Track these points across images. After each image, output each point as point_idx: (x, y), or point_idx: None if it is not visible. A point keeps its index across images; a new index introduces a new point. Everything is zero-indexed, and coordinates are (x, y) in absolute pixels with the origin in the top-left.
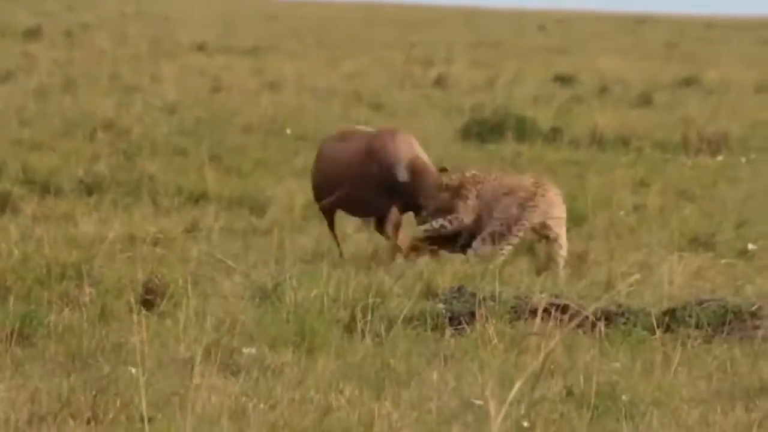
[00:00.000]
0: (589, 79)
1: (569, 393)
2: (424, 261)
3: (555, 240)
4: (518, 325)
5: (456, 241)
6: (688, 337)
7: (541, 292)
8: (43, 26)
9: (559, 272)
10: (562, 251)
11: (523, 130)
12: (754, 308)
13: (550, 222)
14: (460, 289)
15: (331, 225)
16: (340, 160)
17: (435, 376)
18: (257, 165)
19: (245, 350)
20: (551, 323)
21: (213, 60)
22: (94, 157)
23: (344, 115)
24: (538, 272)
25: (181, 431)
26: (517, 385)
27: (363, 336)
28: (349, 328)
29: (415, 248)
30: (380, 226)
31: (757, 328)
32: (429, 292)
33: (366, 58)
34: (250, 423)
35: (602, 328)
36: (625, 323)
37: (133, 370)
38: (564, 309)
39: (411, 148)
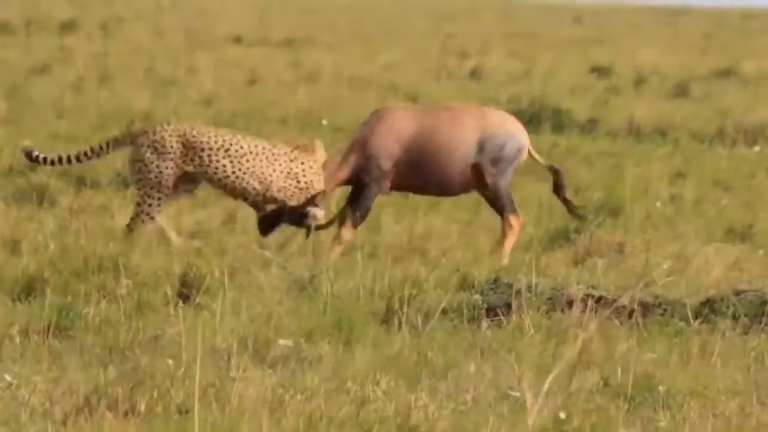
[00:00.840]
0: (625, 71)
1: (606, 384)
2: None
3: None
4: (555, 316)
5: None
6: (725, 327)
7: (577, 283)
8: (79, 19)
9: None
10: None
11: (560, 122)
12: None
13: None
14: (496, 280)
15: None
16: None
17: (472, 367)
18: None
19: (282, 342)
20: (588, 314)
21: (249, 52)
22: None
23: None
24: (575, 263)
25: (219, 423)
26: (552, 375)
27: (399, 327)
28: (386, 320)
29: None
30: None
31: None
32: (465, 284)
33: (402, 50)
34: (287, 414)
35: (639, 319)
36: (662, 314)
37: (170, 362)
38: (600, 300)
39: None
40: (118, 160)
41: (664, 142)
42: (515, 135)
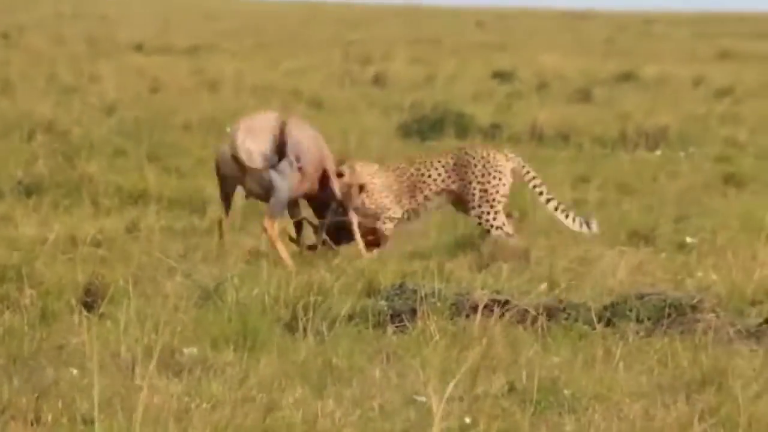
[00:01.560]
0: (528, 75)
1: (511, 388)
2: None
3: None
4: (460, 322)
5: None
6: (629, 331)
7: (482, 288)
8: None
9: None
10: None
11: (463, 127)
12: (694, 301)
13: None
14: (401, 286)
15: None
16: None
17: (377, 373)
18: (197, 164)
19: (187, 350)
20: (493, 319)
21: (151, 59)
22: (32, 158)
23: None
24: (480, 268)
25: None
26: (455, 380)
27: (305, 334)
28: (291, 327)
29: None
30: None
31: (697, 321)
32: (371, 290)
33: (305, 57)
34: (194, 423)
35: (544, 323)
36: (566, 318)
37: (75, 372)
38: (505, 305)
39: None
40: (19, 168)
41: (567, 147)
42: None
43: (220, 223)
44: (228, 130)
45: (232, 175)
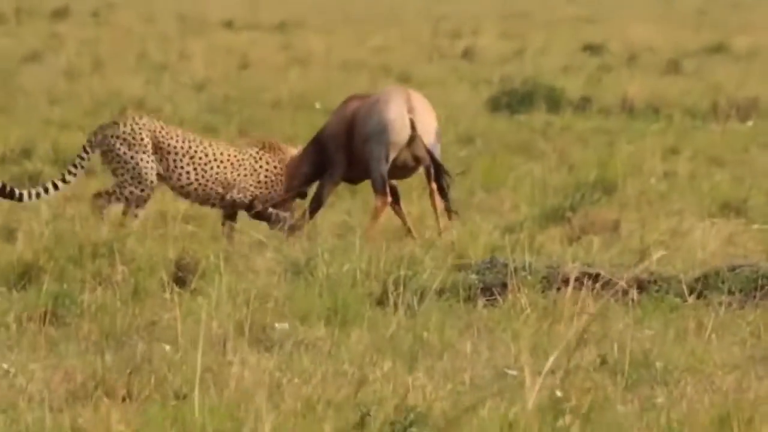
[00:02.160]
0: (618, 48)
1: (603, 362)
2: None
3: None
4: (550, 295)
5: None
6: (721, 303)
7: (573, 262)
8: (70, 6)
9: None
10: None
11: (553, 100)
12: None
13: None
14: (492, 259)
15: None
16: None
17: (468, 347)
18: (287, 140)
19: (278, 325)
20: (584, 292)
21: (240, 36)
22: None
23: (373, 89)
24: (570, 241)
25: (216, 407)
26: (554, 354)
27: (395, 309)
28: (382, 301)
29: None
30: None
31: None
32: (461, 264)
33: (394, 32)
34: (285, 397)
35: (635, 296)
36: (657, 291)
37: (167, 348)
38: (596, 278)
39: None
40: None
41: (658, 119)
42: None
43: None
44: (317, 105)
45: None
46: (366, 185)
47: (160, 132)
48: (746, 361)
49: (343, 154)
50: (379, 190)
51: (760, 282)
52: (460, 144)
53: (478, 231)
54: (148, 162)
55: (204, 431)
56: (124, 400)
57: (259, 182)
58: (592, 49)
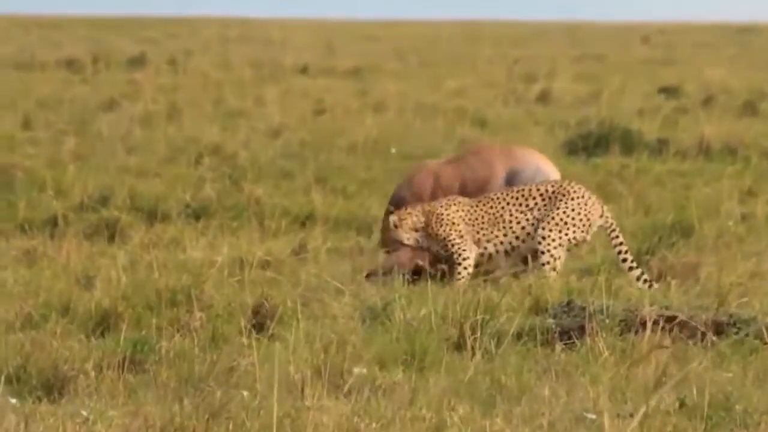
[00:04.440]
0: (694, 90)
1: (682, 404)
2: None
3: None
4: (628, 338)
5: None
6: None
7: (651, 305)
8: (146, 53)
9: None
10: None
11: (629, 143)
12: None
13: None
14: (569, 303)
15: None
16: None
17: (546, 391)
18: (363, 185)
19: (356, 370)
20: (661, 335)
21: (316, 82)
22: (200, 182)
23: (449, 133)
24: (649, 284)
25: None
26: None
27: (473, 353)
28: (459, 346)
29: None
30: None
31: None
32: (538, 307)
33: (469, 76)
34: None
35: (713, 339)
36: (736, 333)
37: (245, 394)
38: (674, 320)
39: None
40: (187, 191)
41: (735, 161)
42: (543, 169)
43: None
44: (393, 150)
45: None
46: None
47: None
48: None
49: None
50: None
51: None
52: None
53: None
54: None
55: None
56: None
57: None
58: (667, 91)
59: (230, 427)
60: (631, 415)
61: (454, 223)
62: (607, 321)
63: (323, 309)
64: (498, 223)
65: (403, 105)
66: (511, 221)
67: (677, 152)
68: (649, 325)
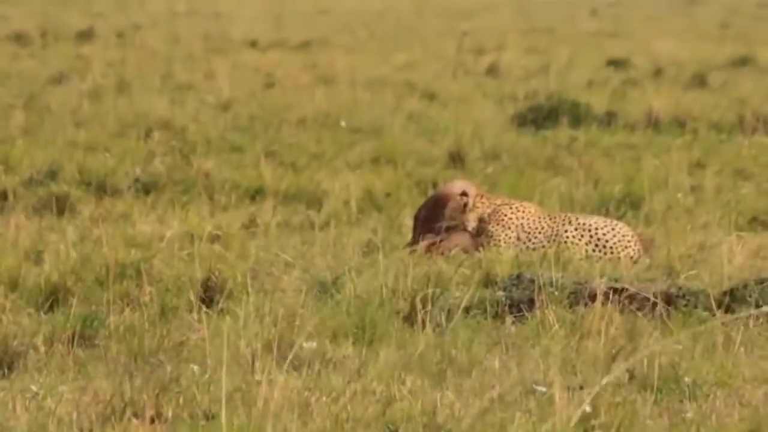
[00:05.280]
0: (642, 62)
1: (632, 376)
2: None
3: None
4: (578, 311)
5: None
6: (749, 316)
7: (600, 277)
8: (95, 28)
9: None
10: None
11: (578, 115)
12: None
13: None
14: (519, 276)
15: None
16: None
17: (497, 363)
18: (313, 159)
19: (306, 344)
20: (611, 307)
21: (265, 56)
22: (149, 156)
23: (398, 106)
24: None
25: (245, 427)
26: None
27: (423, 326)
28: (410, 319)
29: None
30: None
31: None
32: (488, 281)
33: (418, 49)
34: (314, 416)
35: (663, 311)
36: (685, 305)
37: (195, 368)
38: (623, 292)
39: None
40: (137, 165)
41: (683, 133)
42: None
43: None
44: (343, 124)
45: None
46: (392, 203)
47: None
48: None
49: None
50: None
51: None
52: (486, 160)
53: (505, 248)
54: None
55: None
56: (152, 421)
57: None
58: (616, 63)
59: (180, 401)
60: (581, 388)
61: (509, 229)
62: (557, 293)
63: (273, 283)
64: (552, 241)
65: (353, 78)
66: (563, 243)
67: (626, 125)
68: (599, 297)
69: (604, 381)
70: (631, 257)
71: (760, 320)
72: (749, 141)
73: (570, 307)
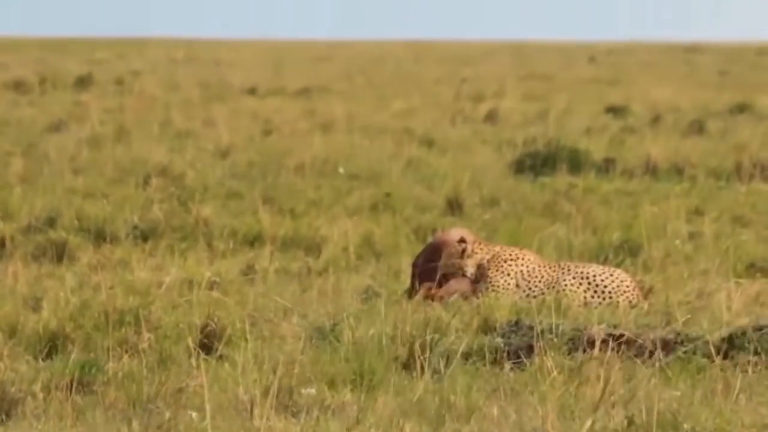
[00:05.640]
0: (641, 109)
1: (630, 423)
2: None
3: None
4: (577, 357)
5: None
6: (748, 363)
7: (599, 323)
8: (93, 74)
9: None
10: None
11: (577, 162)
12: None
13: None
14: (517, 322)
15: None
16: None
17: (495, 410)
18: (311, 205)
19: (305, 391)
20: (609, 354)
21: (264, 103)
22: (148, 203)
23: (396, 153)
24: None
25: None
26: (577, 416)
27: (422, 372)
28: (408, 365)
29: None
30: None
31: None
32: (486, 327)
33: (416, 96)
34: None
35: (661, 357)
36: (684, 352)
37: (194, 415)
38: (622, 339)
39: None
40: (135, 213)
41: (681, 180)
42: None
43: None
44: (341, 170)
45: None
46: (390, 250)
47: None
48: None
49: None
50: None
51: None
52: (485, 207)
53: (503, 294)
54: None
55: None
56: None
57: None
58: (615, 110)
59: None
60: None
61: (509, 275)
62: (555, 340)
63: (272, 329)
64: (551, 288)
65: (351, 125)
66: (561, 291)
67: (624, 171)
68: (597, 343)
69: (598, 420)
70: (630, 302)
71: (759, 367)
72: (747, 188)
73: (568, 353)
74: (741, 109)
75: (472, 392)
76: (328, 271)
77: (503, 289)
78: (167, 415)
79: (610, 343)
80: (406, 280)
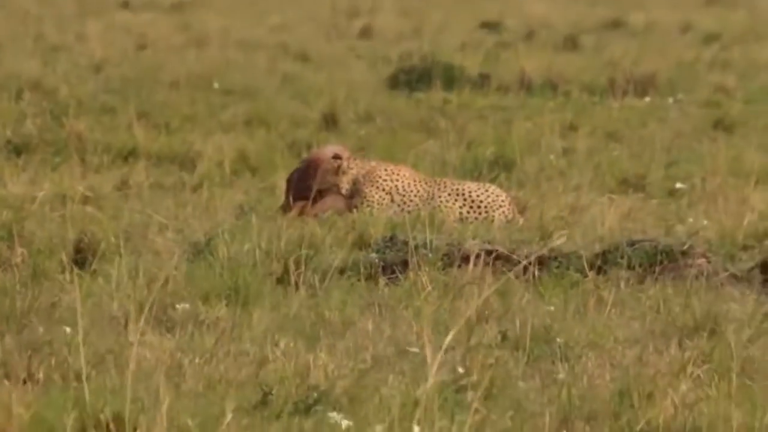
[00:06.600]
0: (515, 24)
1: (504, 338)
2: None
3: None
4: (451, 272)
5: None
6: (621, 278)
7: (473, 239)
8: None
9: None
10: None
11: (451, 78)
12: (685, 247)
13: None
14: (392, 238)
15: None
16: None
17: (370, 325)
18: (185, 120)
19: (179, 306)
20: (484, 269)
21: (138, 17)
22: (20, 117)
23: (271, 68)
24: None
25: (117, 388)
26: (454, 331)
27: (297, 288)
28: (283, 281)
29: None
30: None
31: (688, 267)
32: (361, 242)
33: (291, 11)
34: (187, 377)
35: (535, 273)
36: (557, 267)
37: (68, 330)
38: (496, 255)
39: None
40: (7, 127)
41: (555, 95)
42: None
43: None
44: (216, 85)
45: None
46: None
47: None
48: (646, 336)
49: None
50: None
51: (659, 257)
52: (360, 122)
53: (379, 210)
54: None
55: (104, 412)
56: (24, 382)
57: None
58: (489, 26)
59: (52, 363)
60: (454, 348)
61: (384, 191)
62: (430, 255)
63: (146, 245)
64: (427, 204)
65: (226, 40)
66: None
67: (499, 87)
68: (471, 259)
69: (473, 341)
70: (505, 217)
71: (631, 281)
72: (620, 103)
73: (443, 268)
74: (614, 24)
75: (347, 307)
76: (202, 186)
77: (378, 204)
78: (40, 330)
79: (485, 258)
80: (280, 196)
